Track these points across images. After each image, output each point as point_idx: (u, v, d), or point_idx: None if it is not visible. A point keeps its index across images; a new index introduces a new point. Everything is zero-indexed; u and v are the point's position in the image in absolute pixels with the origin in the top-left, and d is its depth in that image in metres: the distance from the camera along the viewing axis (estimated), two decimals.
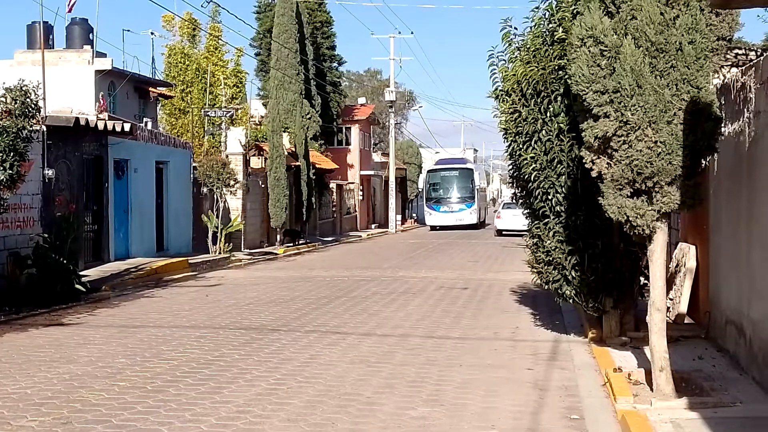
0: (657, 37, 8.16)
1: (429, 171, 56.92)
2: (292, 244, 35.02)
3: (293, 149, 37.44)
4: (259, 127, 40.74)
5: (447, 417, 8.19)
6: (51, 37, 31.05)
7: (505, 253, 30.51)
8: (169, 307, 16.29)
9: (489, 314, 15.08)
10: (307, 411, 8.37)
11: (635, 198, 8.35)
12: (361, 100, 63.27)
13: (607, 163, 8.46)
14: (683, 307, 12.18)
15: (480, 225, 55.37)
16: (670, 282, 12.15)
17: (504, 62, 12.26)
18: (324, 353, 11.38)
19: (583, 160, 8.81)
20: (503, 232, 42.41)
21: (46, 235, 17.91)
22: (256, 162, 34.62)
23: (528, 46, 11.91)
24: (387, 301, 16.81)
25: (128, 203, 24.44)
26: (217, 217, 28.41)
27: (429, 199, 54.32)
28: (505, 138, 12.28)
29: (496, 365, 10.64)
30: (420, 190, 58.65)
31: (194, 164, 29.35)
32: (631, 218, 8.35)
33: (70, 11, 29.77)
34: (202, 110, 36.39)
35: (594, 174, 8.67)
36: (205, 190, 28.89)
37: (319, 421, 8.02)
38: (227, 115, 34.62)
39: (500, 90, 12.20)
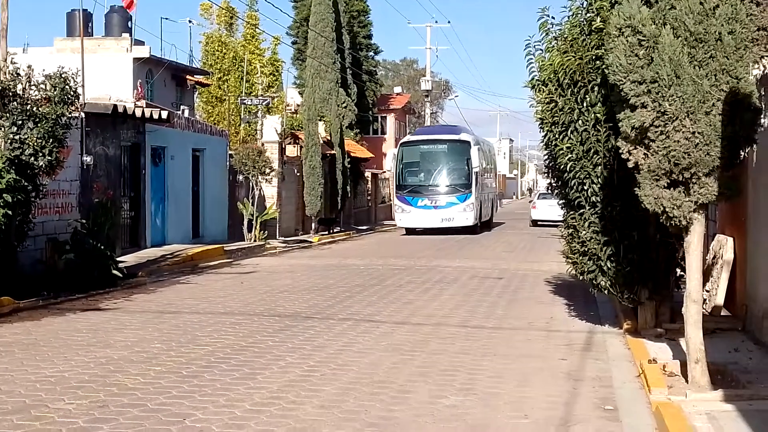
0: (696, 27, 8.08)
1: (403, 144, 38.78)
2: (326, 233, 35.13)
3: (329, 138, 37.53)
4: (295, 115, 40.90)
5: (480, 406, 8.20)
6: (90, 24, 31.34)
7: (540, 243, 30.39)
8: (205, 293, 16.42)
9: (523, 304, 15.05)
10: (340, 398, 8.41)
11: (672, 189, 8.28)
12: (397, 90, 63.38)
13: (644, 154, 8.39)
14: (720, 300, 12.08)
15: (480, 227, 37.72)
16: (706, 274, 12.06)
17: (541, 52, 12.21)
18: (358, 341, 11.42)
19: (620, 151, 8.75)
20: (538, 223, 42.24)
21: (84, 221, 18.11)
22: (291, 150, 34.77)
23: (565, 35, 11.84)
24: (421, 290, 16.82)
25: (165, 190, 24.63)
26: (253, 204, 28.58)
27: (401, 186, 37.05)
28: (541, 128, 12.24)
29: (529, 355, 10.63)
30: (389, 172, 39.15)
31: (230, 152, 29.53)
32: (667, 209, 8.29)
33: (128, 8, 29.79)
34: (239, 98, 36.61)
35: (630, 164, 8.61)
36: (240, 177, 29.07)
37: (352, 408, 8.06)
38: (263, 104, 34.77)
39: (537, 80, 12.16)
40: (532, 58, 12.27)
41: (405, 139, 40.01)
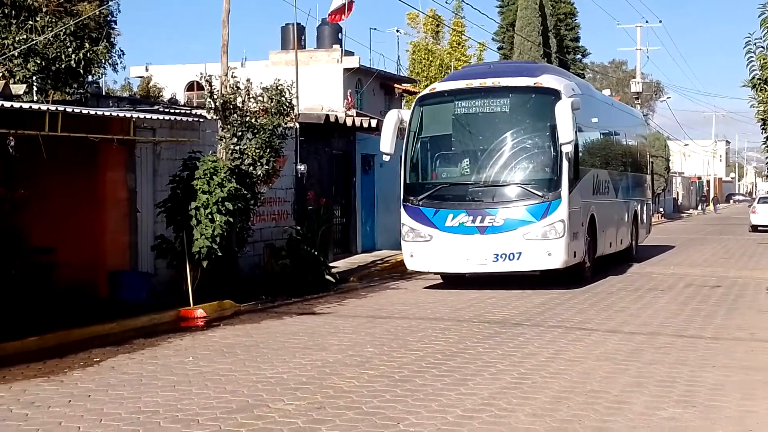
0: None
1: (422, 100, 18.66)
2: None
3: None
4: None
5: (699, 419, 7.87)
6: (303, 37, 32.55)
7: (761, 249, 28.94)
8: (414, 298, 16.61)
9: (744, 314, 14.35)
10: (552, 406, 8.29)
11: None
12: (606, 92, 61.92)
13: None
14: None
15: (591, 270, 18.82)
16: None
17: (762, 49, 11.68)
18: (569, 349, 11.23)
19: None
20: (758, 228, 40.28)
21: (298, 228, 18.74)
22: None
23: None
24: (633, 298, 16.36)
25: (374, 197, 25.14)
26: None
27: (413, 188, 17.85)
28: (762, 129, 11.72)
29: (752, 367, 10.11)
30: (386, 156, 18.80)
31: None
32: None
33: (335, 20, 30.46)
34: None
35: None
36: None
37: (565, 417, 7.93)
38: None
39: (758, 78, 11.64)
40: (752, 56, 11.75)
41: (426, 91, 19.78)
